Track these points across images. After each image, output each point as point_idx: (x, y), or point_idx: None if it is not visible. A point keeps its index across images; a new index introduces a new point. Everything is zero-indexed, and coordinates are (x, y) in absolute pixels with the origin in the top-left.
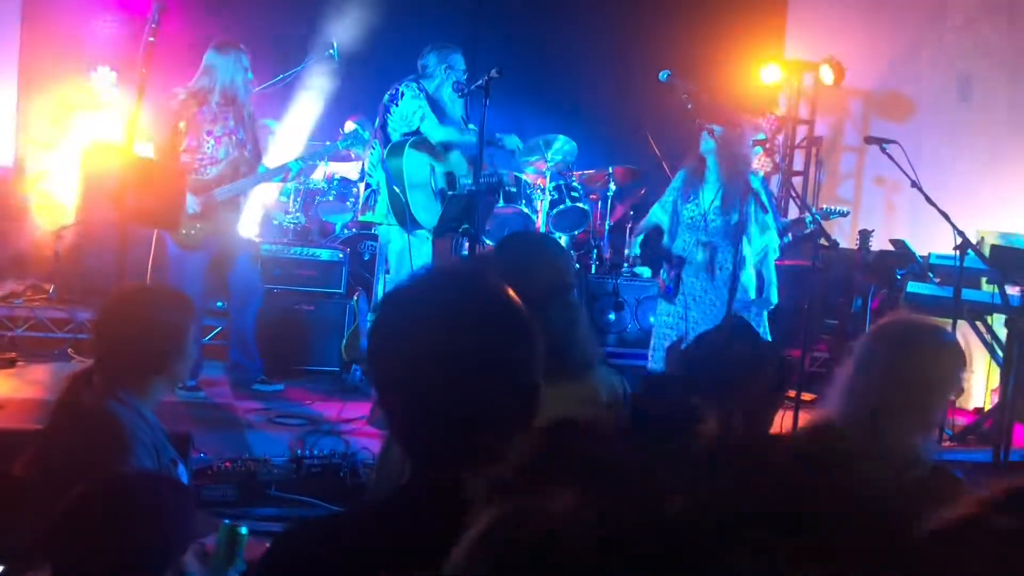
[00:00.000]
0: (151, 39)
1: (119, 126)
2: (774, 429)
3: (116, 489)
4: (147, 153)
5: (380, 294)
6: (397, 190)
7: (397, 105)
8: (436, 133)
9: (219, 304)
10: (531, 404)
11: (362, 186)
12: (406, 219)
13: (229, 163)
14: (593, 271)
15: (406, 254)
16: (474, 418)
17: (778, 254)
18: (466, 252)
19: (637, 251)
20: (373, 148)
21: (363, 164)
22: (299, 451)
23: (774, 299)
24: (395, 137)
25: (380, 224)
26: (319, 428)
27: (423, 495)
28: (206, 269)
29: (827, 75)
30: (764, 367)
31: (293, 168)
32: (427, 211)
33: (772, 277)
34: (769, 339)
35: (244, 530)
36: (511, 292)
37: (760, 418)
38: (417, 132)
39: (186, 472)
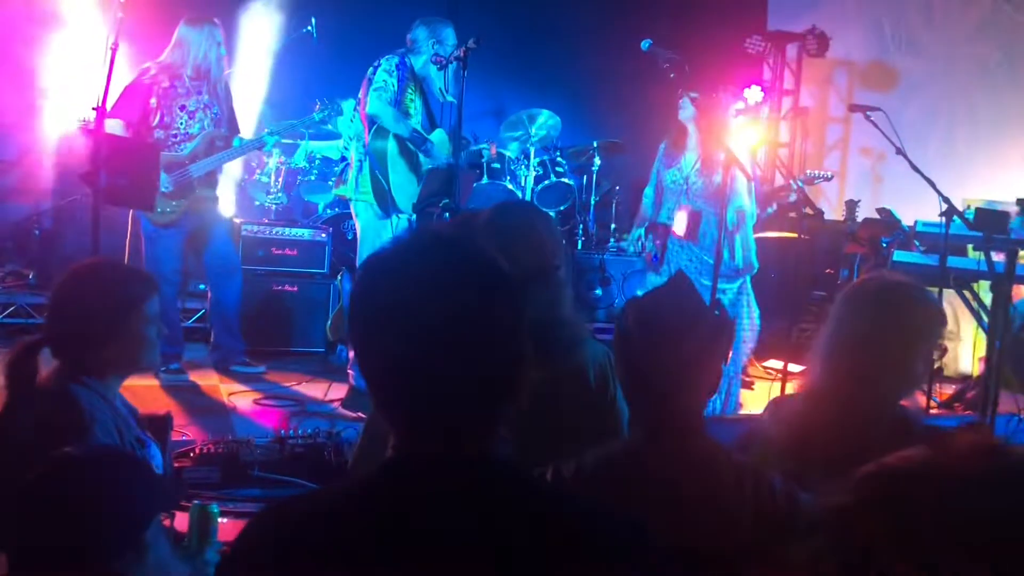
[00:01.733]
0: (120, 15)
1: (93, 103)
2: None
3: (65, 467)
4: (118, 130)
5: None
6: (379, 174)
7: (375, 76)
8: (373, 105)
9: (201, 286)
10: (519, 374)
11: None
12: (387, 203)
13: (204, 139)
14: (580, 246)
15: (373, 230)
16: (460, 388)
17: (755, 220)
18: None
19: (636, 243)
20: (354, 120)
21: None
22: (283, 431)
23: (755, 263)
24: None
25: (352, 199)
26: (303, 408)
27: (409, 469)
28: (183, 246)
29: (811, 46)
30: (699, 322)
31: (268, 141)
32: (409, 196)
33: (751, 242)
34: (755, 305)
35: (215, 507)
36: (498, 257)
37: (696, 372)
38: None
39: (159, 452)
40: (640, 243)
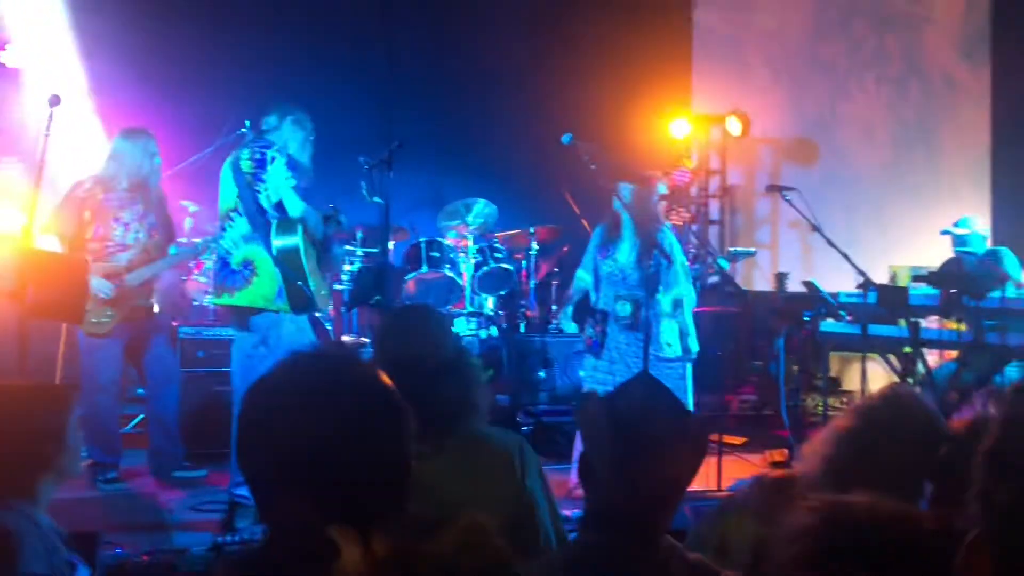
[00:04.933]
0: (47, 134)
1: (24, 219)
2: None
3: None
4: (52, 244)
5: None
6: (294, 274)
7: (267, 172)
8: (297, 208)
9: (139, 391)
10: (402, 484)
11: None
12: (308, 304)
13: (140, 248)
14: (522, 330)
15: (302, 336)
16: (343, 502)
17: (695, 303)
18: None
19: (571, 325)
20: (232, 222)
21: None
22: (219, 538)
23: (694, 348)
24: (267, 208)
25: (254, 308)
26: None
27: None
28: (120, 355)
29: (734, 127)
30: (686, 432)
31: (204, 249)
32: (320, 289)
33: (690, 327)
34: (691, 392)
35: None
36: (379, 372)
37: (680, 481)
38: (279, 205)
39: (88, 573)
40: (572, 324)
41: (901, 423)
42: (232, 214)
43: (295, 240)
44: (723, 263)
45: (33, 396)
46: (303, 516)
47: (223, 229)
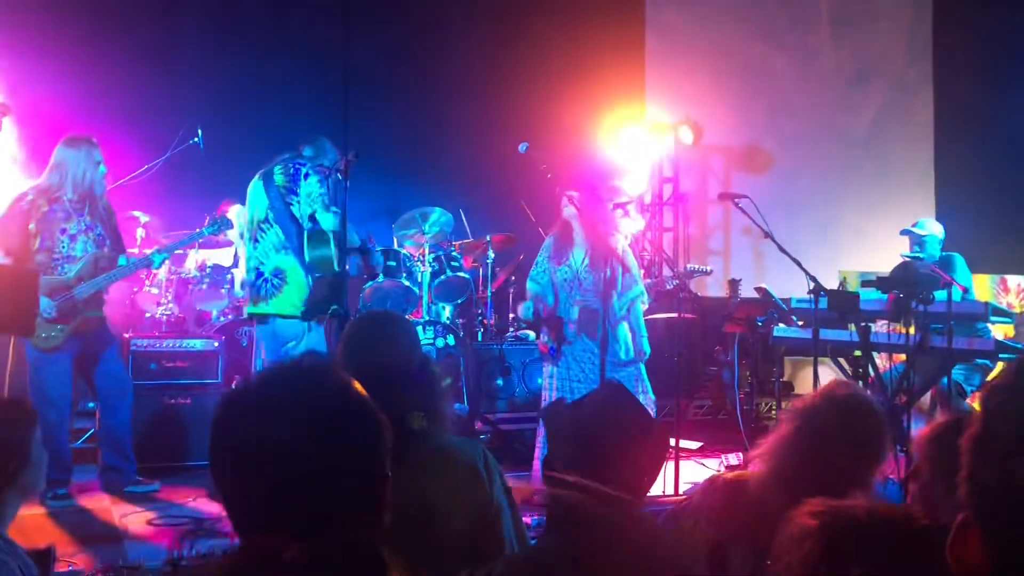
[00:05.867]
0: None
1: None
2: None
3: None
4: None
5: None
6: (328, 282)
7: (299, 186)
8: (329, 221)
9: (91, 405)
10: (378, 496)
11: (237, 272)
12: (340, 312)
13: (88, 260)
14: (479, 338)
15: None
16: (322, 515)
17: (646, 305)
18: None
19: (530, 315)
20: (264, 233)
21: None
22: (175, 553)
23: (647, 349)
24: (301, 218)
25: (284, 315)
26: (201, 526)
27: None
28: (70, 370)
29: (686, 135)
30: (648, 436)
31: (155, 260)
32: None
33: (642, 328)
34: (651, 393)
35: None
36: (357, 385)
37: (641, 486)
38: (311, 217)
39: None
40: (535, 319)
41: (841, 419)
42: (263, 225)
43: (328, 252)
44: (669, 286)
45: None
46: (276, 526)
47: (255, 240)
